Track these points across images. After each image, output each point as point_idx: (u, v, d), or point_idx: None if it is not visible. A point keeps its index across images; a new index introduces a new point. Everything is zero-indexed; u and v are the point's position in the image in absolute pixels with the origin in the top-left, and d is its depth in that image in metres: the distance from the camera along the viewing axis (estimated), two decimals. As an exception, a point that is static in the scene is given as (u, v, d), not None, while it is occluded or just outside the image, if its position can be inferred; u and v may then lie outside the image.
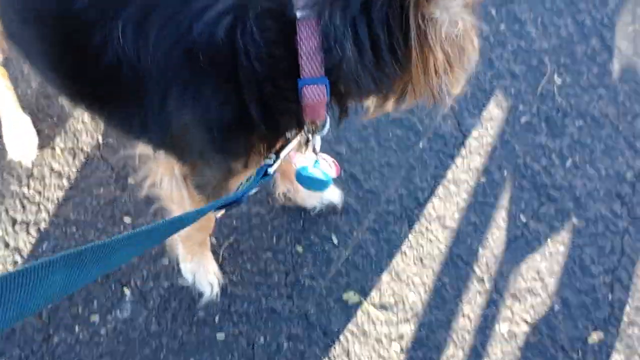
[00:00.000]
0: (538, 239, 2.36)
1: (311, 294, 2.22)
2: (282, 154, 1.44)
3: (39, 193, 2.33)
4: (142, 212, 2.30)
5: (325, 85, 1.29)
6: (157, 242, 1.17)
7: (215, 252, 2.23)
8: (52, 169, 2.37)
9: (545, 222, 2.38)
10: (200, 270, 2.15)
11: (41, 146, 2.38)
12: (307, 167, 1.58)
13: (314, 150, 1.49)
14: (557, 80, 2.62)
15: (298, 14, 1.23)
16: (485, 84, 2.60)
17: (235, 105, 1.35)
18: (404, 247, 2.31)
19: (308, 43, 1.23)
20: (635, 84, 2.64)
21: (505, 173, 2.45)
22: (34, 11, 1.45)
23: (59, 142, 2.41)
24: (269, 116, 1.38)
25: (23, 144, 2.36)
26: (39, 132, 2.39)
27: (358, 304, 2.21)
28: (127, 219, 2.29)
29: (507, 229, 2.37)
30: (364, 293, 2.23)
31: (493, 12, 2.74)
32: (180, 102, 1.38)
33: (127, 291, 2.18)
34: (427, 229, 2.35)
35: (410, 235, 2.33)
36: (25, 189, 2.33)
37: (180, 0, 1.30)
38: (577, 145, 2.52)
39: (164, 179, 1.77)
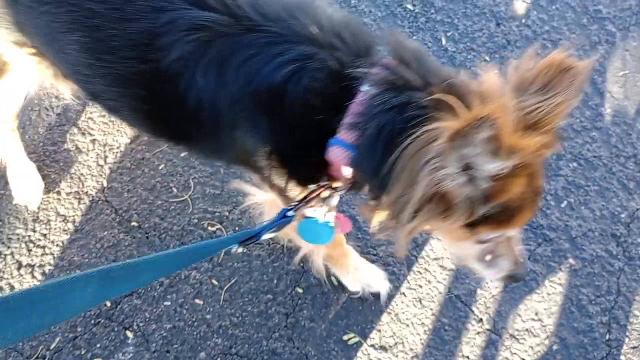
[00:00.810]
0: (535, 280, 2.39)
1: (311, 335, 2.24)
2: (303, 203, 1.58)
3: (44, 236, 2.38)
4: (144, 255, 2.34)
5: (351, 154, 1.43)
6: (181, 267, 1.31)
7: (217, 293, 2.27)
8: (57, 213, 2.42)
9: (542, 262, 2.42)
10: (362, 276, 2.29)
11: (47, 190, 2.44)
12: (316, 219, 1.69)
13: (329, 205, 1.65)
14: (551, 123, 2.69)
15: (366, 86, 1.40)
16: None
17: (276, 142, 1.54)
18: (403, 288, 2.34)
19: (357, 111, 1.39)
20: (626, 127, 2.70)
21: (502, 214, 2.50)
22: (124, 75, 1.59)
23: (64, 186, 2.47)
24: (295, 161, 1.58)
25: (29, 189, 2.42)
26: (45, 176, 2.45)
27: (358, 345, 2.23)
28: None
29: (504, 270, 2.40)
30: (364, 334, 2.25)
31: (487, 57, 2.83)
32: (243, 133, 1.56)
33: (129, 334, 2.21)
34: (425, 269, 2.38)
35: (409, 277, 2.37)
36: (30, 233, 2.37)
37: (260, 45, 1.46)
38: (572, 186, 2.57)
39: (267, 209, 2.00)
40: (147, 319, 2.23)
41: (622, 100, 2.76)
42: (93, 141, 2.57)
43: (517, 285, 2.37)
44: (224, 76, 1.48)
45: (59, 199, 2.45)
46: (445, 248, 1.59)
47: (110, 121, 2.61)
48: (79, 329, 2.21)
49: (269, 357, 2.19)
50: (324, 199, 1.63)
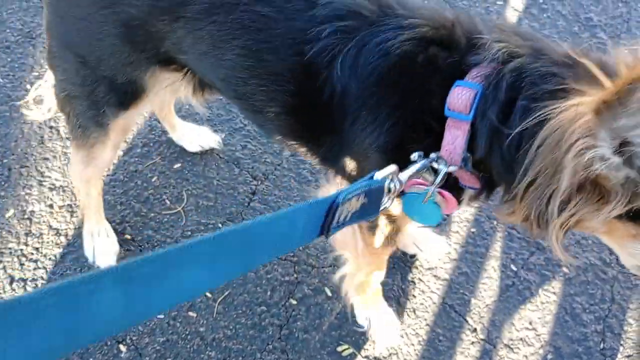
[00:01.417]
0: (529, 288, 2.39)
1: (305, 347, 2.23)
2: (405, 172, 1.36)
3: (37, 250, 2.37)
4: (138, 267, 2.34)
5: (475, 94, 1.31)
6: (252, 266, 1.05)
7: (210, 306, 2.26)
8: (50, 226, 2.41)
9: (536, 271, 2.42)
10: (376, 319, 2.23)
11: (39, 203, 2.44)
12: (418, 194, 1.49)
13: (434, 181, 1.45)
14: (543, 131, 2.70)
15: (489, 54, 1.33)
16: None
17: (400, 127, 1.47)
18: (396, 299, 2.34)
19: (483, 72, 1.33)
20: None
21: (495, 223, 2.50)
22: (279, 73, 1.61)
23: (57, 199, 2.46)
24: (410, 130, 1.46)
25: (104, 251, 2.34)
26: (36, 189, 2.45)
27: (352, 356, 2.23)
28: (124, 275, 2.32)
29: (498, 279, 2.40)
30: (358, 345, 2.25)
31: (479, 67, 2.84)
32: (362, 126, 1.52)
33: (122, 348, 2.20)
34: (419, 279, 2.38)
35: (402, 286, 2.36)
36: (23, 247, 2.37)
37: (391, 29, 1.46)
38: (565, 194, 2.57)
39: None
40: (140, 333, 2.23)
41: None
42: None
43: (511, 294, 2.37)
44: (357, 66, 1.48)
45: (51, 212, 2.44)
46: (619, 258, 1.41)
47: (102, 134, 2.61)
48: (72, 343, 2.20)
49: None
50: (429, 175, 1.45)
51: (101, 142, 1.92)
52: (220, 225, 2.43)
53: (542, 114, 1.15)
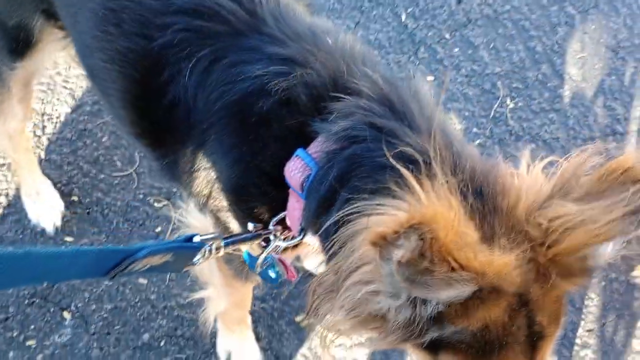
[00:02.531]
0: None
1: (262, 316, 2.14)
2: (230, 240, 1.28)
3: (-25, 211, 2.21)
4: (85, 231, 2.20)
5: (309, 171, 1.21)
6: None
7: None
8: (-11, 186, 2.25)
9: (499, 244, 2.38)
10: (237, 350, 2.04)
11: (-22, 161, 2.27)
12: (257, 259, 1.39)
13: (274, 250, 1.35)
14: (510, 103, 2.65)
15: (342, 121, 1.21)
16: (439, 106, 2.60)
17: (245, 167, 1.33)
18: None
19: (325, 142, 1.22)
20: (584, 109, 2.68)
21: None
22: (115, 50, 1.43)
23: (-2, 157, 2.30)
24: (250, 190, 1.33)
25: (45, 210, 2.18)
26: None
27: (311, 327, 2.14)
28: (69, 238, 2.18)
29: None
30: (317, 316, 2.16)
31: (447, 35, 2.77)
32: (211, 149, 1.37)
33: (66, 315, 2.06)
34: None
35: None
36: (-41, 206, 2.20)
37: (260, 52, 1.30)
38: (530, 168, 2.53)
39: None
40: (86, 300, 2.09)
41: (580, 82, 2.74)
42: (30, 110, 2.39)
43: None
44: (207, 80, 1.32)
45: (-9, 170, 2.27)
46: None
47: (49, 89, 2.44)
48: (10, 310, 2.06)
49: (216, 338, 2.08)
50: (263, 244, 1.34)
51: (6, 97, 1.81)
52: (173, 190, 2.30)
53: (354, 211, 1.05)
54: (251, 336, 2.06)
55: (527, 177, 1.12)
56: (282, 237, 1.32)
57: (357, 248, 0.98)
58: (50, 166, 2.29)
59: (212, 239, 1.21)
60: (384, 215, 0.96)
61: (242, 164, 1.32)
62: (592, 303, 2.32)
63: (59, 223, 2.17)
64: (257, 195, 1.33)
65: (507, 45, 2.78)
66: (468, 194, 1.08)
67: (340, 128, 1.18)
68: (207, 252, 1.20)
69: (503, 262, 0.96)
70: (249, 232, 1.31)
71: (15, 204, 2.23)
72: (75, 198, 2.25)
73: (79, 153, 2.35)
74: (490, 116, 2.61)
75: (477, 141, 2.55)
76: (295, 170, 1.22)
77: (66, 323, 2.05)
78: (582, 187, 1.05)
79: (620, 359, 2.23)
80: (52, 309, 2.06)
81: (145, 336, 2.05)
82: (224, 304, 1.85)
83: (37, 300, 2.08)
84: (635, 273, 2.36)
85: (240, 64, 1.29)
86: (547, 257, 1.04)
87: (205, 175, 1.41)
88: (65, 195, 2.25)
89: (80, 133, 2.38)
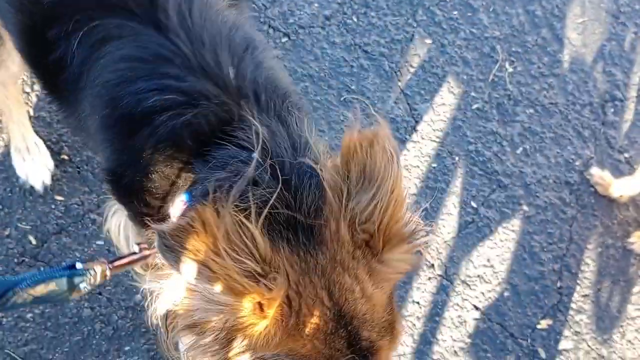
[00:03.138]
0: (489, 226, 2.32)
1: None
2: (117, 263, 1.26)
3: (-38, 168, 2.15)
4: (75, 190, 2.15)
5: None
6: None
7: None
8: (-24, 143, 2.19)
9: (496, 208, 2.35)
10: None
11: (-35, 118, 2.20)
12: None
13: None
14: (509, 68, 2.61)
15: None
16: (437, 69, 2.56)
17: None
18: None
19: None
20: (583, 74, 2.65)
21: (457, 159, 2.41)
22: None
23: (-15, 114, 2.23)
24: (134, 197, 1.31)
25: (35, 168, 2.11)
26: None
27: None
28: (59, 197, 2.13)
29: (458, 216, 2.32)
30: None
31: (446, -3, 2.71)
32: (96, 124, 1.33)
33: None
34: (377, 213, 2.28)
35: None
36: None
37: (156, 56, 1.23)
38: (528, 133, 2.50)
39: (113, 219, 1.65)
40: (77, 259, 2.05)
41: (580, 47, 2.69)
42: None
43: (470, 231, 2.30)
44: (100, 60, 1.26)
45: (-22, 127, 2.21)
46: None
47: (38, 45, 2.36)
48: (-1, 269, 2.02)
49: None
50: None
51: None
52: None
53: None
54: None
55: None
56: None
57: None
58: (39, 124, 2.22)
59: (97, 264, 1.18)
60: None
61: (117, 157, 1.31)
62: (588, 269, 2.31)
63: (48, 182, 2.11)
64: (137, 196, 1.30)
65: (506, 8, 2.73)
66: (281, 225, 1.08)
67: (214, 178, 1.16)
68: (91, 278, 1.17)
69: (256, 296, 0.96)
70: (134, 253, 1.27)
71: (4, 162, 2.17)
72: (65, 157, 2.19)
73: (68, 111, 2.28)
74: (489, 80, 2.57)
75: (475, 105, 2.51)
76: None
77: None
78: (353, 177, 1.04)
79: (615, 324, 2.23)
80: (42, 269, 2.02)
81: (138, 297, 2.01)
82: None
83: (27, 260, 2.03)
84: (631, 239, 2.35)
85: (133, 69, 1.24)
86: (377, 243, 1.04)
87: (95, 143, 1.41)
88: (55, 153, 2.19)
89: (70, 91, 2.32)
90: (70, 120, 1.54)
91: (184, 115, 1.18)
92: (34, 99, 2.27)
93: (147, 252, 1.26)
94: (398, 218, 1.05)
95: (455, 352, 2.12)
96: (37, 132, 2.20)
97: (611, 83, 2.64)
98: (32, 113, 2.24)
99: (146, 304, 1.17)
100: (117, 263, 1.23)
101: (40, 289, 1.09)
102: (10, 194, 2.12)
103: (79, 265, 1.15)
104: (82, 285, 1.15)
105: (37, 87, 2.29)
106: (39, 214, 2.09)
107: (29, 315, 1.95)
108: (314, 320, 1.01)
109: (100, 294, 2.01)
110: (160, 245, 0.96)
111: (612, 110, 2.59)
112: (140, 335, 1.97)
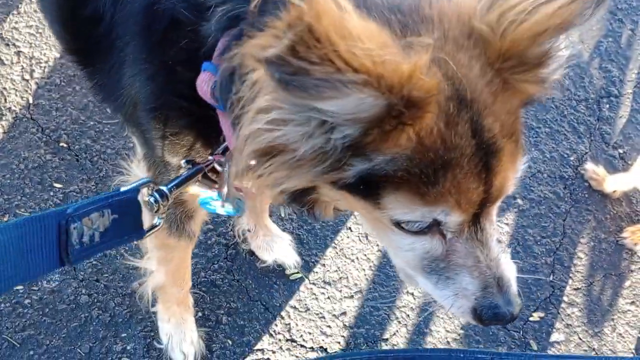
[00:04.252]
0: (483, 219, 2.35)
1: (252, 268, 2.13)
2: (171, 184, 1.14)
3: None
4: (74, 178, 2.16)
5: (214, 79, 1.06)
6: None
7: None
8: (-25, 130, 2.20)
9: (491, 202, 2.37)
10: (177, 335, 1.92)
11: (-36, 104, 2.21)
12: (209, 199, 1.31)
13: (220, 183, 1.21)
14: (506, 62, 2.63)
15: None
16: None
17: (161, 83, 1.21)
18: (349, 223, 2.25)
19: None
20: (579, 70, 2.67)
21: (453, 152, 2.43)
22: None
23: (-16, 100, 2.24)
24: (176, 109, 1.20)
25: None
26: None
27: (301, 280, 2.14)
28: (58, 185, 2.14)
29: (453, 208, 2.34)
30: (308, 268, 2.16)
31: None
32: (131, 65, 1.27)
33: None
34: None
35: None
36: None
37: None
38: (523, 127, 2.52)
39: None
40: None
41: (577, 43, 2.71)
42: (18, 53, 2.33)
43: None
44: None
45: (-23, 114, 2.22)
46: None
47: (37, 32, 2.37)
48: (-2, 254, 2.03)
49: (207, 288, 2.07)
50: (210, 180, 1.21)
51: None
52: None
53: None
54: (192, 320, 1.96)
55: None
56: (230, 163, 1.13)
57: (248, 72, 0.84)
58: (38, 111, 2.24)
59: (148, 182, 1.09)
60: (265, 31, 0.78)
61: (158, 85, 1.21)
62: (581, 262, 2.33)
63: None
64: (179, 119, 1.21)
65: (505, 3, 2.74)
66: (382, 10, 0.92)
67: (220, 14, 1.05)
68: (153, 202, 1.08)
69: (410, 63, 0.79)
70: (190, 168, 1.17)
71: (3, 148, 2.18)
72: (63, 144, 2.21)
73: (67, 99, 2.29)
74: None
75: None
76: (203, 83, 1.08)
77: (56, 270, 2.02)
78: None
79: (606, 317, 2.26)
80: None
81: (135, 284, 2.03)
82: (161, 275, 1.76)
83: (25, 246, 2.05)
84: (623, 234, 2.37)
85: None
86: (501, 49, 0.91)
87: (128, 96, 1.31)
88: (53, 141, 2.21)
89: (69, 79, 2.33)
90: (107, 95, 1.46)
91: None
92: (33, 86, 2.29)
93: (204, 165, 1.17)
94: (544, 33, 0.91)
95: (448, 342, 2.15)
96: (35, 120, 2.21)
97: (607, 79, 2.66)
98: (31, 100, 2.25)
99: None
100: (176, 188, 1.11)
101: (99, 220, 1.00)
102: (9, 180, 2.13)
103: (145, 193, 1.04)
104: (155, 220, 1.08)
105: (36, 74, 2.30)
106: (37, 200, 2.11)
107: (26, 301, 1.97)
108: (438, 99, 0.87)
109: (97, 280, 2.03)
110: (281, 78, 0.74)
111: (608, 106, 2.61)
112: (137, 322, 1.99)
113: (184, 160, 1.20)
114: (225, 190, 1.19)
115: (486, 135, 0.92)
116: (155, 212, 1.10)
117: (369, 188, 0.93)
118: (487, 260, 1.00)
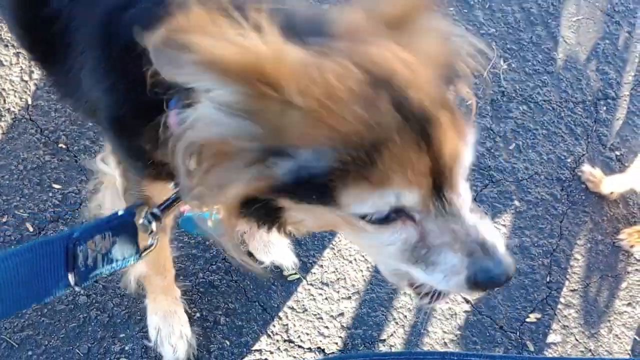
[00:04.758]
0: (480, 220, 2.35)
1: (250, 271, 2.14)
2: (162, 206, 1.16)
3: (-41, 155, 2.16)
4: (73, 179, 2.17)
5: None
6: None
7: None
8: (-26, 130, 2.20)
9: (488, 203, 2.38)
10: (166, 328, 1.91)
11: (-37, 105, 2.22)
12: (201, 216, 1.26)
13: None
14: (503, 65, 2.64)
15: None
16: (433, 65, 2.58)
17: (121, 96, 1.19)
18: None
19: None
20: (577, 72, 2.68)
21: (450, 154, 2.44)
22: None
23: (-17, 101, 2.25)
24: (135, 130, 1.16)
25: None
26: (-39, 89, 2.22)
27: (299, 281, 2.15)
28: (57, 186, 2.15)
29: (450, 210, 2.35)
30: (305, 269, 2.17)
31: (443, -6, 2.73)
32: (89, 73, 1.25)
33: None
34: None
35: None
36: (-57, 150, 2.16)
37: None
38: (521, 129, 2.53)
39: (106, 194, 1.62)
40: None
41: (575, 45, 2.72)
42: (17, 54, 2.34)
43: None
44: None
45: (-24, 115, 2.23)
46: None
47: (37, 34, 2.38)
48: (-3, 255, 2.04)
49: (205, 289, 2.08)
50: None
51: None
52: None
53: None
54: (181, 313, 1.94)
55: None
56: None
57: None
58: (37, 112, 2.24)
59: (142, 205, 1.12)
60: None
61: (119, 97, 1.19)
62: (577, 264, 2.34)
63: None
64: (140, 135, 1.17)
65: (502, 5, 2.75)
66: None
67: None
68: (147, 224, 1.11)
69: (272, 48, 0.83)
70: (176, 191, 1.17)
71: (2, 149, 2.19)
72: (62, 145, 2.21)
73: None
74: (483, 77, 2.59)
75: (469, 101, 2.53)
76: (174, 121, 1.03)
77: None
78: None
79: (602, 318, 2.27)
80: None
81: (134, 285, 2.04)
82: (141, 265, 1.74)
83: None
84: (620, 236, 2.38)
85: None
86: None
87: (88, 99, 1.29)
88: (51, 142, 2.21)
89: (68, 80, 2.33)
90: (66, 93, 1.45)
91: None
92: (32, 87, 2.29)
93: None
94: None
95: (445, 343, 2.16)
96: (34, 121, 2.22)
97: (604, 81, 2.67)
98: (30, 102, 2.26)
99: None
100: (168, 209, 1.14)
101: (102, 243, 1.04)
102: (8, 181, 2.13)
103: (139, 217, 1.08)
104: (149, 242, 1.11)
105: (35, 75, 2.31)
106: (36, 201, 2.11)
107: (25, 302, 1.97)
108: (345, 86, 0.86)
109: (96, 281, 2.03)
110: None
111: (605, 108, 2.62)
112: (135, 322, 2.00)
113: (172, 184, 1.19)
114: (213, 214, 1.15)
115: (416, 108, 0.89)
116: (150, 233, 1.12)
117: (322, 194, 0.92)
118: (464, 230, 0.96)
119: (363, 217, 0.95)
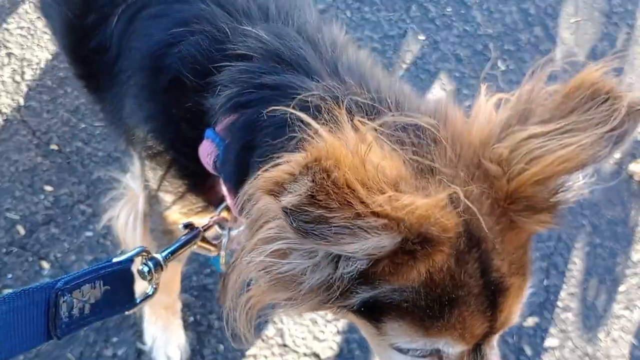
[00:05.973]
0: (477, 223, 2.34)
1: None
2: (166, 251, 1.12)
3: (-50, 157, 2.14)
4: (65, 181, 2.14)
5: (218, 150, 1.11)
6: None
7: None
8: (-34, 132, 2.18)
9: (485, 206, 2.37)
10: (162, 338, 1.90)
11: (-46, 106, 2.19)
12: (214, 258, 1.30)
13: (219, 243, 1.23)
14: (501, 66, 2.62)
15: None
16: (430, 66, 2.56)
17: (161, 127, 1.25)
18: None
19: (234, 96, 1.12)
20: (575, 74, 2.65)
21: (447, 156, 2.42)
22: None
23: (-26, 102, 2.22)
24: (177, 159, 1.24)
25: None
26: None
27: (294, 284, 2.12)
28: (49, 188, 2.12)
29: (447, 212, 2.33)
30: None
31: (440, -6, 2.71)
32: (131, 104, 1.30)
33: (45, 264, 2.02)
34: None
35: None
36: None
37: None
38: (518, 131, 2.51)
39: (124, 210, 1.60)
40: (65, 250, 2.05)
41: (573, 46, 2.71)
42: (9, 55, 2.31)
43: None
44: (132, 25, 1.28)
45: (-32, 116, 2.20)
46: None
47: (29, 34, 2.35)
48: (-13, 258, 2.01)
49: (199, 293, 2.06)
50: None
51: None
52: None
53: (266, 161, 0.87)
54: (179, 324, 1.94)
55: (479, 111, 0.99)
56: (230, 225, 1.20)
57: (257, 202, 0.84)
58: (29, 113, 2.22)
59: (142, 251, 1.06)
60: (283, 163, 0.79)
61: (158, 128, 1.25)
62: (575, 267, 2.32)
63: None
64: (174, 169, 1.25)
65: (500, 6, 2.73)
66: (397, 128, 0.93)
67: (226, 99, 1.09)
68: (146, 272, 1.06)
69: (428, 204, 0.78)
70: (189, 232, 1.16)
71: (-7, 151, 2.17)
72: (54, 147, 2.19)
73: (59, 101, 2.28)
74: (481, 78, 2.57)
75: (467, 103, 2.51)
76: (206, 154, 1.13)
77: (45, 273, 2.00)
78: (545, 110, 0.93)
79: (600, 322, 2.25)
80: (30, 259, 2.02)
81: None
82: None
83: (15, 250, 2.03)
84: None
85: (156, 17, 1.23)
86: (508, 191, 0.91)
87: (129, 126, 1.35)
88: (43, 143, 2.19)
89: (60, 81, 2.31)
90: (107, 111, 1.50)
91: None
92: (24, 88, 2.27)
93: (201, 228, 1.16)
94: (556, 174, 0.88)
95: (441, 348, 2.14)
96: (26, 122, 2.19)
97: (602, 83, 2.65)
98: (22, 102, 2.23)
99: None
100: (172, 255, 1.10)
101: (91, 292, 0.97)
102: (-1, 184, 2.11)
103: (138, 265, 1.02)
104: (147, 289, 1.05)
105: (27, 76, 2.28)
106: (27, 204, 2.09)
107: (16, 306, 1.94)
108: (451, 237, 0.84)
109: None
110: (299, 227, 0.73)
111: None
112: (128, 327, 1.97)
113: (181, 225, 1.19)
114: (222, 254, 1.21)
115: (494, 274, 0.91)
116: (149, 281, 1.07)
117: (371, 312, 0.93)
118: None
119: (399, 349, 0.98)
